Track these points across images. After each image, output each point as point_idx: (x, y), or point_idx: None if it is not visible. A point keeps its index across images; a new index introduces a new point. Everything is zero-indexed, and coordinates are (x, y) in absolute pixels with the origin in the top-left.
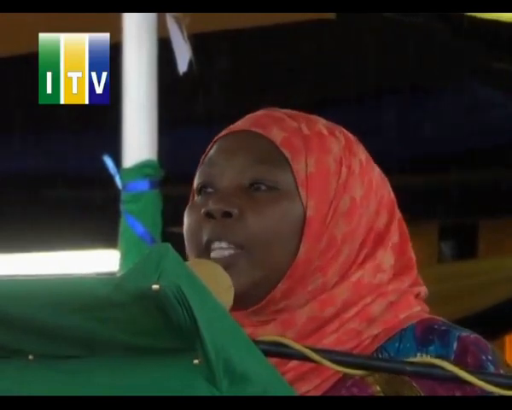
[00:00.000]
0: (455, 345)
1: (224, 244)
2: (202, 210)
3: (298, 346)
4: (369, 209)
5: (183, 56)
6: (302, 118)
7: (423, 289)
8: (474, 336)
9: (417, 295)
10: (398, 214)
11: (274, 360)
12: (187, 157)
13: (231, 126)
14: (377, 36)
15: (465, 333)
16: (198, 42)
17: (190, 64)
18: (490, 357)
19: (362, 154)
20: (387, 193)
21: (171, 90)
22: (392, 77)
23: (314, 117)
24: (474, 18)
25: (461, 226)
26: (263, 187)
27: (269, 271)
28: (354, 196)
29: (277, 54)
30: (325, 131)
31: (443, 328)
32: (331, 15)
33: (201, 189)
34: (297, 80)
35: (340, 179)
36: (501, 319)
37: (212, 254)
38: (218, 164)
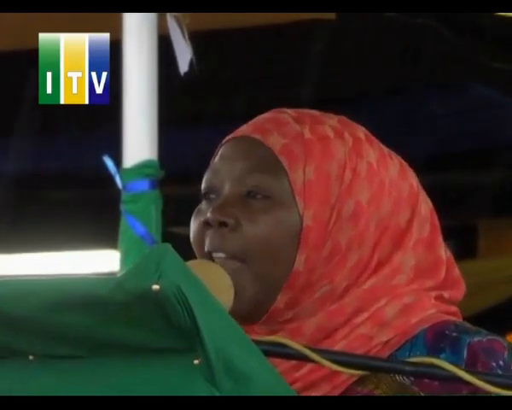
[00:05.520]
0: (465, 353)
1: (222, 254)
2: (201, 218)
3: (298, 346)
4: (381, 211)
5: (184, 56)
6: (308, 119)
7: (450, 293)
8: (487, 339)
9: (439, 298)
10: (424, 207)
11: (282, 370)
12: (187, 157)
13: (236, 131)
14: (377, 36)
15: (477, 338)
16: (197, 41)
17: (191, 64)
18: (501, 362)
19: (372, 154)
20: (408, 189)
21: (172, 90)
22: (392, 77)
23: (325, 117)
24: (475, 18)
25: (461, 226)
26: (259, 196)
27: (269, 282)
28: (360, 199)
29: (277, 54)
30: (331, 134)
31: (454, 334)
32: (331, 15)
33: (205, 195)
34: (297, 80)
35: (343, 184)
36: (501, 319)
37: None
38: (219, 171)
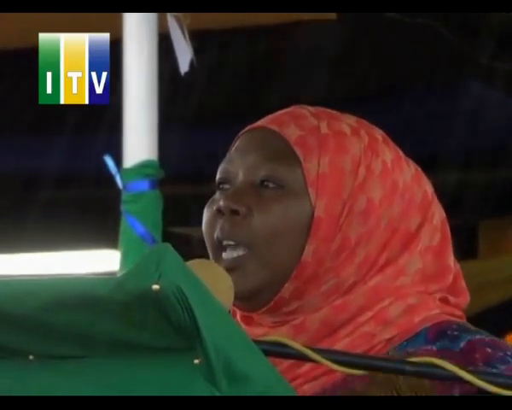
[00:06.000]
0: (462, 344)
1: (231, 242)
2: (214, 206)
3: (298, 346)
4: (393, 211)
5: (185, 56)
6: (326, 115)
7: (455, 300)
8: (490, 338)
9: (443, 300)
10: (436, 216)
11: (284, 368)
12: (187, 157)
13: (253, 124)
14: (377, 36)
15: (479, 336)
16: (198, 41)
17: (192, 64)
18: (509, 352)
19: (388, 155)
20: (422, 195)
21: (172, 89)
22: (392, 77)
23: (343, 116)
24: (474, 17)
25: (461, 226)
26: (272, 185)
27: (275, 270)
28: (372, 196)
29: (277, 53)
30: (348, 131)
31: (455, 333)
32: (331, 15)
33: (219, 185)
34: (296, 80)
35: (356, 180)
36: (501, 319)
37: (223, 255)
38: (234, 161)
